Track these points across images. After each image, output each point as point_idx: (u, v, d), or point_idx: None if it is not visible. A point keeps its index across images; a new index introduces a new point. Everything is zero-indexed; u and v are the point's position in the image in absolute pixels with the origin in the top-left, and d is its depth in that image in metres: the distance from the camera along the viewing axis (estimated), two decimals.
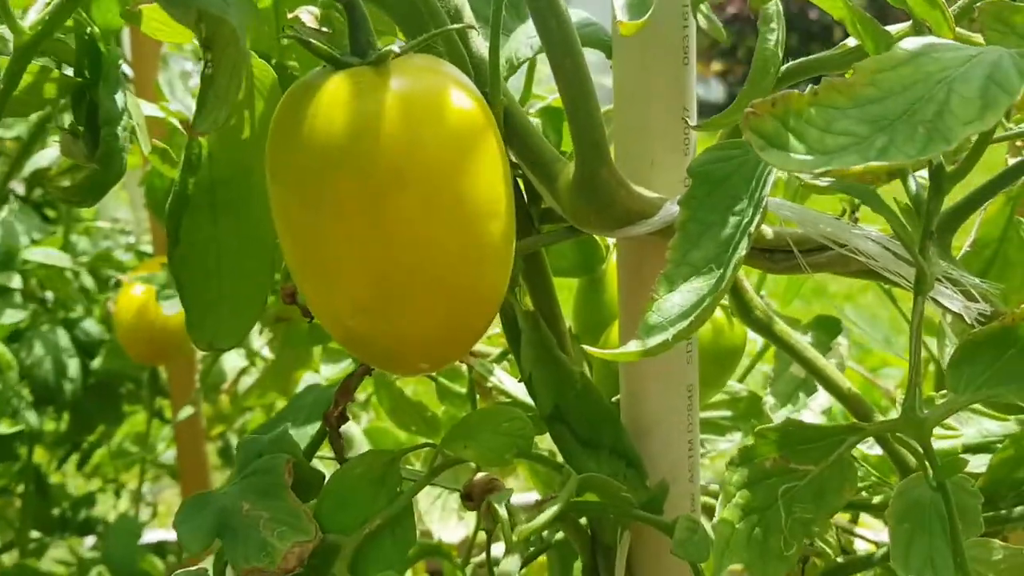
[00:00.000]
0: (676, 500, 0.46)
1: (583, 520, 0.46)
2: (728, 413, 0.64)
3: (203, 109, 0.25)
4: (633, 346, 0.32)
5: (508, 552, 0.34)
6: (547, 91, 0.58)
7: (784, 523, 0.31)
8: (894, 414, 0.41)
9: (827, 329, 0.62)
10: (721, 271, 0.34)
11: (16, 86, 0.40)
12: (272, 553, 0.33)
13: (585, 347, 0.32)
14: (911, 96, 0.29)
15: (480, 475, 0.43)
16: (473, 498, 0.44)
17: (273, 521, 0.34)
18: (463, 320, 0.33)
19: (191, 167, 0.43)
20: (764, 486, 0.31)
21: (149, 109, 0.71)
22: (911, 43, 0.30)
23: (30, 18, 0.40)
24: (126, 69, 1.02)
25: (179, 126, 0.72)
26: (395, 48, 0.32)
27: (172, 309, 0.81)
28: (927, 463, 0.31)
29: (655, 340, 0.32)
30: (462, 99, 0.32)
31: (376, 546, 0.35)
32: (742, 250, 0.33)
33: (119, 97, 0.40)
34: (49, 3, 0.38)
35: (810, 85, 0.28)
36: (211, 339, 0.42)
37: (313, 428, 0.51)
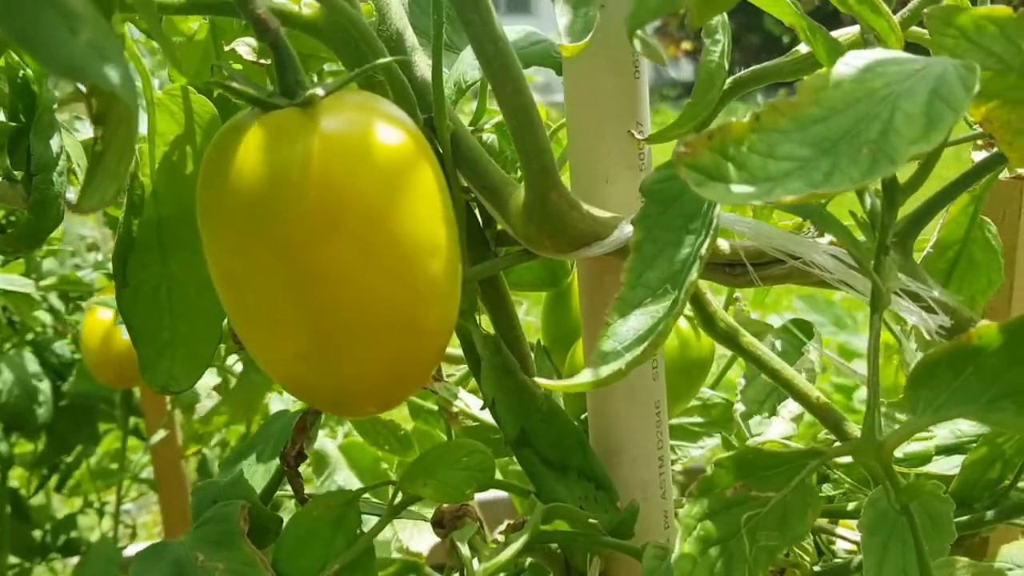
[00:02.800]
0: (649, 518, 0.45)
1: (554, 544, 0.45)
2: (699, 419, 0.64)
3: (90, 185, 0.24)
4: (586, 376, 0.32)
5: None
6: None
7: (748, 552, 0.31)
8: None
9: (799, 333, 0.62)
10: (677, 292, 0.33)
11: None
12: None
13: (541, 381, 0.31)
14: (855, 115, 0.28)
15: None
16: (444, 525, 0.43)
17: (229, 572, 0.33)
18: (408, 360, 0.32)
19: (134, 208, 0.42)
20: (725, 515, 0.30)
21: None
22: (856, 57, 0.29)
23: None
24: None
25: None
26: (318, 91, 0.31)
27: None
28: (890, 487, 0.31)
29: (608, 369, 0.31)
30: (394, 137, 0.31)
31: None
32: (695, 272, 0.32)
33: (54, 142, 0.39)
34: None
35: (750, 112, 0.28)
36: (165, 382, 0.41)
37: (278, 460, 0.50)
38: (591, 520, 0.38)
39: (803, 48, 0.43)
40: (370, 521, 0.37)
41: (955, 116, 0.27)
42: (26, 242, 0.40)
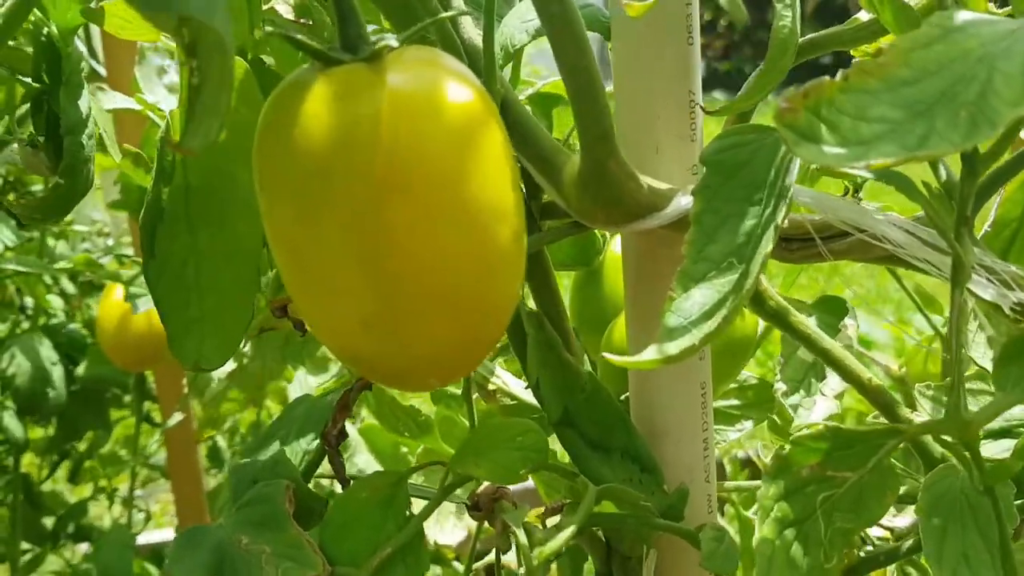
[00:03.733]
0: (693, 502, 0.44)
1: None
2: (737, 402, 0.62)
3: (192, 122, 0.23)
4: (653, 352, 0.30)
5: (528, 574, 0.32)
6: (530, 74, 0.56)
7: (824, 534, 0.29)
8: (926, 408, 0.39)
9: (833, 311, 0.60)
10: (744, 266, 0.32)
11: None
12: None
13: (605, 355, 0.29)
14: (949, 76, 0.26)
15: (486, 484, 0.41)
16: (481, 508, 0.41)
17: (276, 555, 0.31)
18: (475, 331, 0.31)
19: (164, 174, 0.40)
20: (801, 496, 0.29)
21: (124, 103, 0.68)
22: (943, 18, 0.28)
23: None
24: (97, 67, 0.98)
25: (157, 121, 0.69)
26: (391, 42, 0.29)
27: (143, 307, 0.79)
28: (974, 467, 0.29)
29: (680, 345, 0.29)
30: (466, 95, 0.29)
31: None
32: (768, 244, 0.31)
33: (82, 103, 0.37)
34: (1, 4, 0.35)
35: (840, 70, 0.26)
36: (195, 358, 0.40)
37: (307, 443, 0.48)
38: (644, 503, 0.37)
39: (863, 16, 0.41)
40: (417, 503, 0.36)
41: None
42: (58, 207, 0.38)
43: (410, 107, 0.28)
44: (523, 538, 0.32)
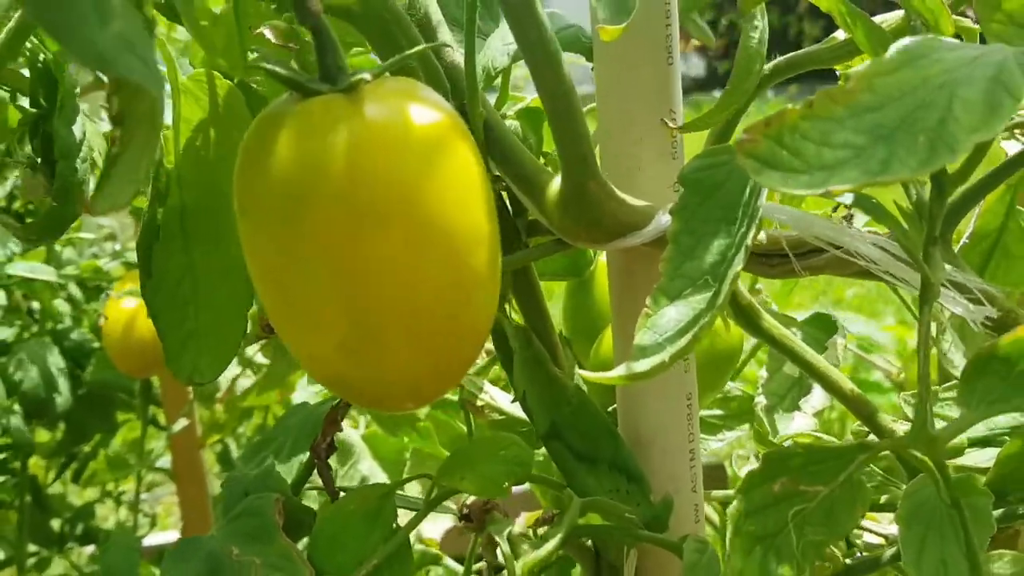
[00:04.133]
0: (679, 512, 0.44)
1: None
2: (719, 412, 0.63)
3: (104, 188, 0.23)
4: (623, 370, 0.31)
5: None
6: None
7: (796, 547, 0.30)
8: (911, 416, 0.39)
9: (822, 327, 0.61)
10: (717, 285, 0.32)
11: None
12: None
13: (580, 372, 0.30)
14: (911, 102, 0.27)
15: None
16: (473, 519, 0.42)
17: (266, 566, 0.32)
18: (451, 354, 0.32)
19: (159, 196, 0.41)
20: (774, 511, 0.30)
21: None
22: (909, 43, 0.29)
23: None
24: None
25: None
26: (366, 75, 0.30)
27: None
28: (942, 481, 0.30)
29: (650, 362, 0.30)
30: (439, 125, 0.30)
31: None
32: (738, 264, 0.32)
33: (76, 128, 0.38)
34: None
35: (805, 98, 0.27)
36: (190, 373, 0.41)
37: (303, 452, 0.49)
38: (628, 514, 0.37)
39: (840, 35, 0.42)
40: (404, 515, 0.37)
41: (1015, 104, 0.26)
42: (49, 230, 0.39)
43: (385, 137, 0.29)
44: (507, 548, 0.33)
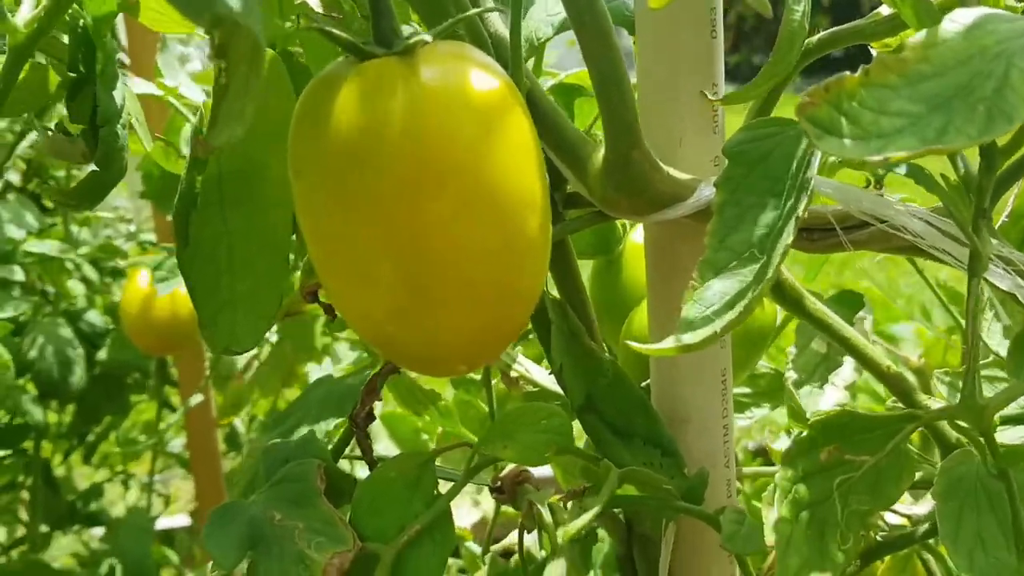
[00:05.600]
0: (713, 487, 0.44)
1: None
2: (748, 390, 0.63)
3: (216, 123, 0.23)
4: (675, 340, 0.31)
5: (554, 555, 0.33)
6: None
7: (840, 516, 0.30)
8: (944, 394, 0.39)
9: (849, 304, 0.61)
10: (766, 257, 0.32)
11: (12, 87, 0.38)
12: (311, 566, 0.32)
13: (631, 343, 0.30)
14: (967, 71, 0.27)
15: (510, 466, 0.42)
16: (504, 490, 0.43)
17: (308, 531, 0.32)
18: (503, 318, 0.32)
19: (197, 163, 0.41)
20: (819, 479, 0.30)
21: (146, 88, 0.69)
22: (962, 14, 0.29)
23: (22, 13, 0.38)
24: (121, 55, 0.99)
25: (179, 107, 0.70)
26: (425, 38, 0.30)
27: (167, 289, 0.80)
28: (988, 452, 0.30)
29: (701, 334, 0.30)
30: (495, 89, 0.30)
31: (416, 554, 0.34)
32: (789, 236, 0.31)
33: (117, 93, 0.38)
34: None
35: (861, 65, 0.27)
36: (226, 341, 0.41)
37: (327, 424, 0.50)
38: (665, 485, 0.38)
39: (884, 10, 0.42)
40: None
41: None
42: (92, 195, 0.39)
43: (442, 100, 0.29)
44: (548, 517, 0.33)
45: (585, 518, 0.33)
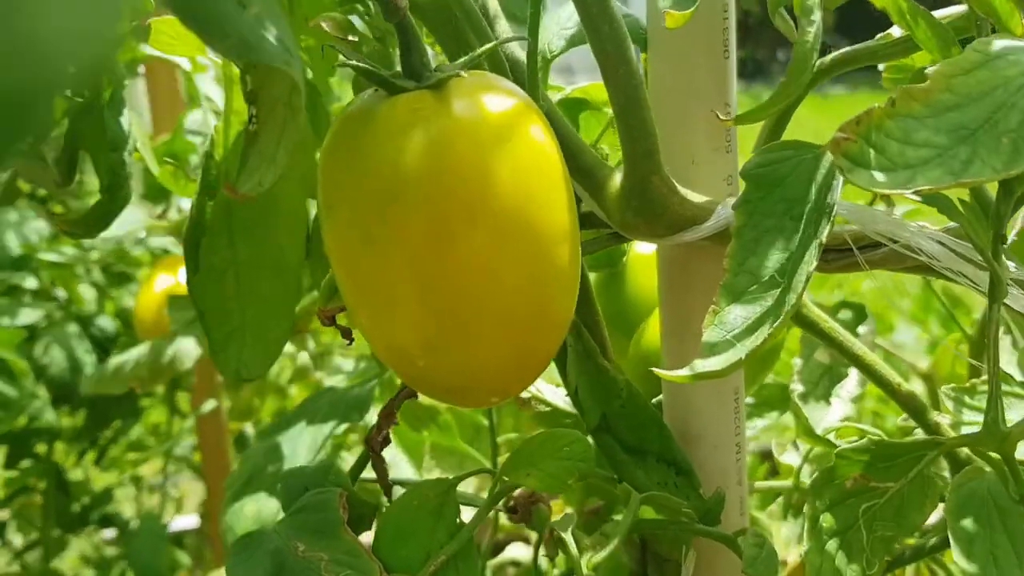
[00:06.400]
0: (727, 505, 0.44)
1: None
2: (751, 400, 0.63)
3: (246, 169, 0.23)
4: (699, 366, 0.31)
5: None
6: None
7: (865, 543, 0.30)
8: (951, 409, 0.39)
9: (852, 315, 0.61)
10: (787, 282, 0.32)
11: None
12: None
13: (656, 370, 0.30)
14: (991, 103, 0.27)
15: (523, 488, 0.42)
16: (518, 511, 0.43)
17: (334, 563, 0.32)
18: (535, 348, 0.32)
19: (208, 189, 0.41)
20: (845, 507, 0.30)
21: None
22: (985, 44, 0.29)
23: None
24: None
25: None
26: (459, 71, 0.30)
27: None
28: (1011, 477, 0.30)
29: (727, 360, 0.30)
30: (528, 121, 0.30)
31: None
32: (812, 261, 0.31)
33: (123, 119, 0.38)
34: None
35: (888, 96, 0.27)
36: (236, 368, 0.41)
37: (328, 428, 0.50)
38: (684, 508, 0.38)
39: (895, 31, 0.42)
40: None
41: None
42: (97, 224, 0.39)
43: (476, 135, 0.29)
44: (573, 548, 0.33)
45: (610, 548, 0.33)
